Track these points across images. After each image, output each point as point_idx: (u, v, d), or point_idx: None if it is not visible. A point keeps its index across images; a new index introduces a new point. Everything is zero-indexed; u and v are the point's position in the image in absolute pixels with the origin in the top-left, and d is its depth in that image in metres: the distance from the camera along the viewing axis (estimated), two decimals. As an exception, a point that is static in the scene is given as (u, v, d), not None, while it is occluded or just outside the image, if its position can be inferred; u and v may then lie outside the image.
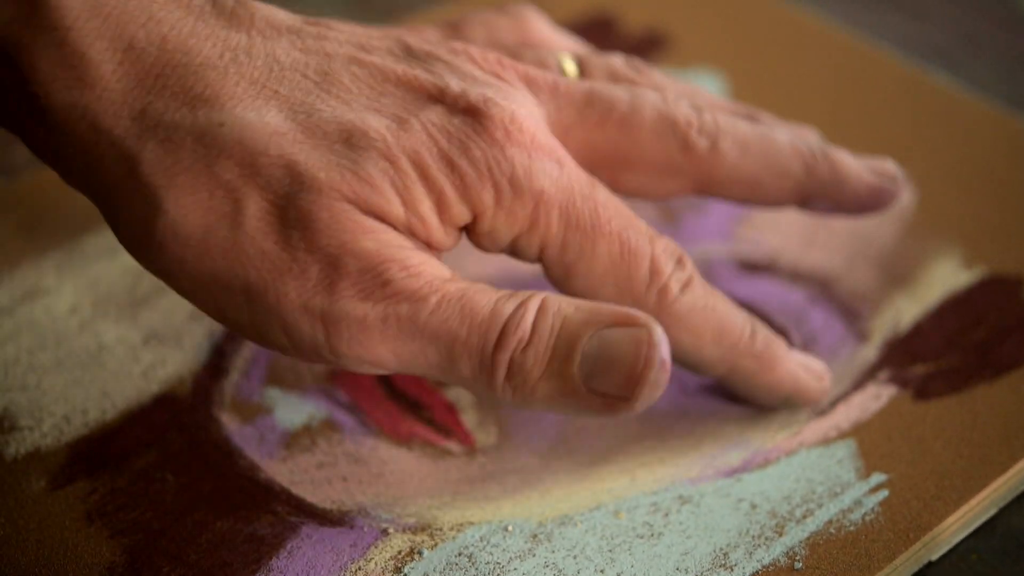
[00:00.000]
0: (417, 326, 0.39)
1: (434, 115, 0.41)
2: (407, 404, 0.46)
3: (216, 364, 0.47)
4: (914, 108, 0.57)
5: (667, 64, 0.58)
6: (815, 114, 0.56)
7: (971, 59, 0.62)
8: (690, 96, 0.47)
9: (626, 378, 0.39)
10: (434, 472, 0.45)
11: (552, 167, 0.42)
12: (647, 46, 0.58)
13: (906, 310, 0.49)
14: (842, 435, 0.45)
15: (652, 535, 0.43)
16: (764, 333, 0.45)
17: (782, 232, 0.52)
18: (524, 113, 0.42)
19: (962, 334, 0.48)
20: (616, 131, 0.44)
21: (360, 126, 0.40)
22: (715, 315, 0.44)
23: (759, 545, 0.42)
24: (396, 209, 0.40)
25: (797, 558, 0.42)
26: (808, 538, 0.42)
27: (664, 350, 0.39)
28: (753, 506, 0.44)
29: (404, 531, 0.43)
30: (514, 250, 0.43)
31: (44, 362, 0.47)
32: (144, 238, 0.40)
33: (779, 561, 0.42)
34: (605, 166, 0.45)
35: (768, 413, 0.46)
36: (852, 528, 0.43)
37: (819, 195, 0.47)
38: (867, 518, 0.43)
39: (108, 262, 0.50)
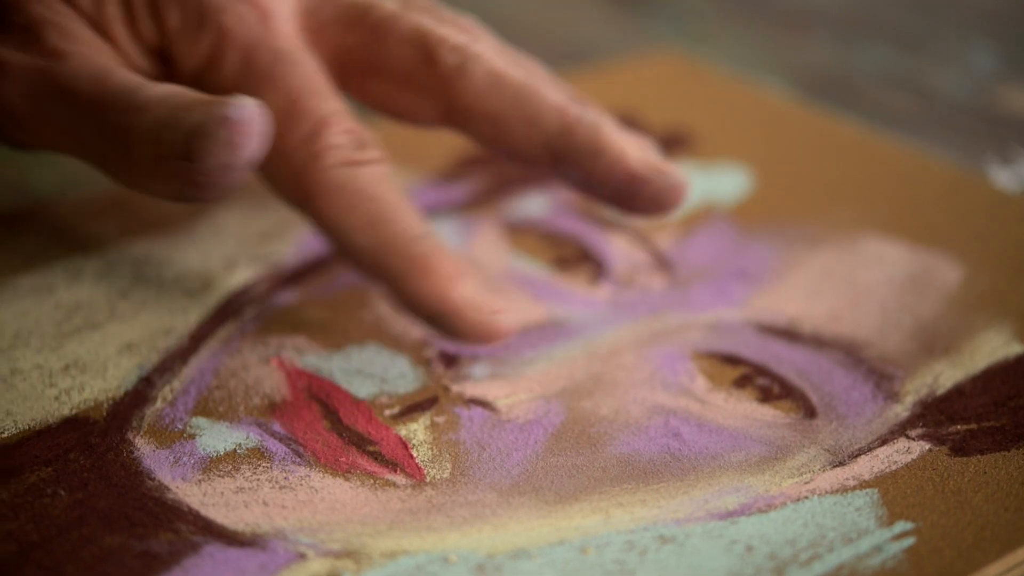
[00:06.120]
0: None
1: None
2: (352, 438, 0.39)
3: (141, 392, 0.41)
4: (947, 197, 0.51)
5: (691, 159, 0.53)
6: (845, 207, 0.51)
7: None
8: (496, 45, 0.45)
9: (186, 134, 0.38)
10: (371, 501, 0.38)
11: (251, 15, 0.42)
12: (670, 143, 0.53)
13: (946, 375, 0.42)
14: (863, 485, 0.38)
15: (623, 573, 0.35)
16: (436, 243, 0.40)
17: (802, 304, 0.45)
18: None
19: (1011, 398, 0.41)
20: (367, 34, 0.44)
21: None
22: (377, 204, 0.40)
23: (753, 588, 0.35)
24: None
25: (799, 601, 0.34)
26: (814, 581, 0.35)
27: (235, 111, 0.37)
28: (749, 548, 0.36)
29: (325, 555, 0.36)
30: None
31: None
32: None
33: (777, 605, 0.34)
34: (354, 71, 0.44)
35: (776, 462, 0.39)
36: (868, 573, 0.35)
37: (570, 160, 0.43)
38: (887, 564, 0.35)
39: (40, 299, 0.45)
